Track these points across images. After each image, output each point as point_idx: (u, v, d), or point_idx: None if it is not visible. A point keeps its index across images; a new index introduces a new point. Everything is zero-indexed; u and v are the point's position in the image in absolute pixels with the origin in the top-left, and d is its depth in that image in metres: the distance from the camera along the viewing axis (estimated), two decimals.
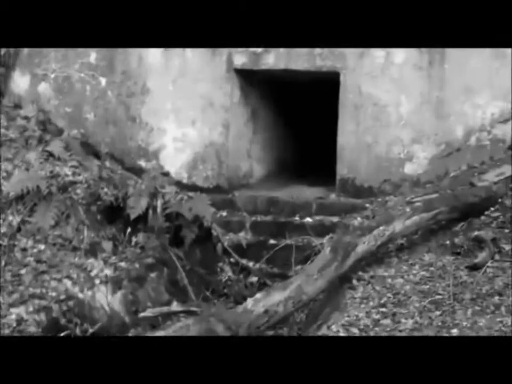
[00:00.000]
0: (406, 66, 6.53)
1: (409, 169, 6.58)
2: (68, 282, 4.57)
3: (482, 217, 5.01)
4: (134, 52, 6.87)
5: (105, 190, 5.46)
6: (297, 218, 6.26)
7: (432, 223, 4.89)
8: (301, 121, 8.97)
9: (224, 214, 6.33)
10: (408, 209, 4.86)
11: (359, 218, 6.01)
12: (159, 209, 5.40)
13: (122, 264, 4.87)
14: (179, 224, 5.40)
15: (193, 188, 6.75)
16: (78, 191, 5.30)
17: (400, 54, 6.52)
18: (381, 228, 4.58)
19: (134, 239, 5.23)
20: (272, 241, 5.99)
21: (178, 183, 6.74)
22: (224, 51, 6.75)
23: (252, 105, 7.41)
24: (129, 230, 5.28)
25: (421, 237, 4.97)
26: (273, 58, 6.71)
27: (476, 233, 4.58)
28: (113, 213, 5.31)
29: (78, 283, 4.59)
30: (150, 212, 5.35)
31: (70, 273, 4.60)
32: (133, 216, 5.22)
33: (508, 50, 6.36)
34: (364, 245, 4.45)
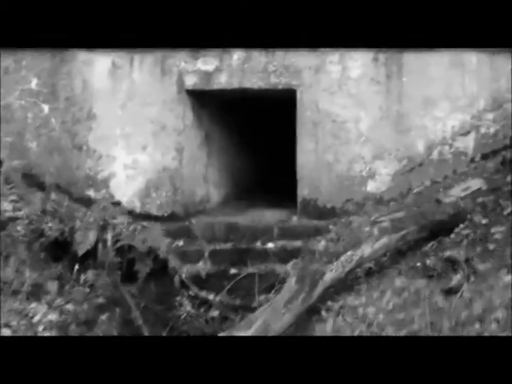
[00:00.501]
0: (363, 81, 6.32)
1: (372, 187, 6.35)
2: (7, 331, 4.10)
3: (452, 235, 4.78)
4: (78, 76, 6.48)
5: (50, 224, 5.03)
6: (258, 244, 5.93)
7: (401, 244, 4.63)
8: (258, 141, 8.71)
9: (181, 243, 5.95)
10: (375, 231, 4.58)
11: (323, 242, 5.72)
12: (109, 243, 5.00)
13: (69, 306, 4.44)
14: (132, 257, 5.00)
15: (147, 216, 6.36)
16: (19, 227, 4.86)
17: (356, 69, 6.31)
18: (349, 253, 4.30)
19: (82, 277, 4.81)
20: (233, 271, 5.64)
21: (130, 213, 6.35)
22: (174, 71, 6.43)
23: (205, 128, 7.09)
24: (77, 267, 4.86)
25: (390, 259, 4.71)
26: (226, 77, 6.41)
27: (448, 253, 4.33)
28: (59, 250, 4.88)
29: (18, 331, 4.13)
30: (100, 246, 4.94)
31: (8, 320, 4.13)
32: (80, 252, 4.81)
33: (465, 58, 6.24)
34: (331, 273, 4.16)
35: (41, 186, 6.19)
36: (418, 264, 4.46)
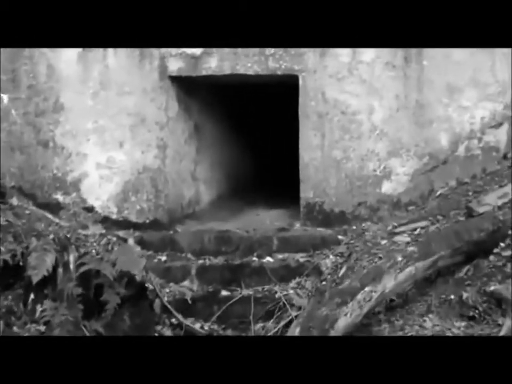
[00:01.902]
0: (377, 66, 5.38)
1: (387, 188, 5.44)
2: None
3: (491, 257, 3.88)
4: (42, 61, 5.53)
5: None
6: (255, 258, 5.02)
7: (431, 272, 3.72)
8: (257, 133, 7.78)
9: (163, 258, 5.05)
10: (399, 258, 3.66)
11: (331, 257, 4.83)
12: (72, 266, 4.09)
13: None
14: (100, 283, 4.10)
15: (125, 224, 5.46)
16: None
17: (369, 51, 5.37)
18: (367, 289, 3.39)
19: (38, 309, 3.92)
20: (224, 293, 4.74)
21: (105, 220, 5.44)
22: (156, 55, 5.48)
23: (193, 119, 6.16)
24: (31, 297, 3.96)
25: (416, 289, 3.81)
26: (216, 61, 5.47)
27: (492, 288, 3.43)
28: (9, 276, 3.97)
29: None
30: (60, 271, 4.04)
31: None
32: (35, 279, 3.90)
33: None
34: (346, 318, 3.25)
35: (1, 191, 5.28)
36: (452, 297, 3.58)
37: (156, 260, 5.01)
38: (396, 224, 5.04)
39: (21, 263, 4.05)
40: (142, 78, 5.49)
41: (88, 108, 5.50)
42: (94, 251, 4.62)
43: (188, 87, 5.84)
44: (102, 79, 5.51)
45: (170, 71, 5.50)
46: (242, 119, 7.32)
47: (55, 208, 5.43)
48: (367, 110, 5.40)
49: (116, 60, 5.49)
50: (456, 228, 4.06)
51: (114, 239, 5.02)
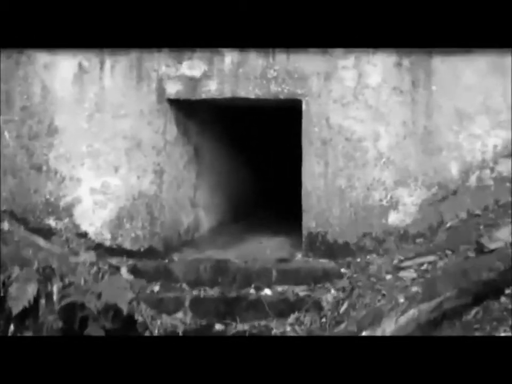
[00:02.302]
0: (384, 90, 5.16)
1: (394, 219, 5.17)
2: None
3: (502, 299, 3.60)
4: (37, 82, 5.36)
5: None
6: (252, 291, 4.77)
7: (435, 315, 3.45)
8: (259, 157, 7.56)
9: (156, 288, 4.80)
10: (401, 299, 3.39)
11: (333, 291, 4.56)
12: (55, 298, 3.86)
13: None
14: (84, 316, 3.86)
15: (119, 251, 5.23)
16: None
17: (375, 75, 5.15)
18: (365, 333, 3.13)
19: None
20: (218, 327, 4.48)
21: (99, 247, 5.22)
22: (153, 77, 5.30)
23: (193, 143, 5.95)
24: (11, 329, 3.73)
25: (420, 333, 3.52)
26: (216, 84, 5.27)
27: (503, 334, 3.15)
28: None
29: None
30: (42, 302, 3.81)
31: None
32: (15, 311, 3.67)
33: (507, 61, 5.07)
34: None
35: None
36: None
37: (148, 290, 4.76)
38: (402, 258, 4.78)
39: (1, 294, 3.83)
40: (139, 100, 5.30)
41: (82, 130, 5.31)
42: (82, 280, 4.42)
43: (187, 109, 5.64)
44: (98, 101, 5.32)
45: (169, 93, 5.30)
46: (245, 142, 7.11)
47: (47, 233, 5.23)
48: (372, 136, 5.17)
49: (113, 81, 5.31)
50: (464, 266, 3.79)
51: (106, 267, 4.84)
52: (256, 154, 7.52)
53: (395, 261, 4.75)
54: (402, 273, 4.39)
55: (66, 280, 4.05)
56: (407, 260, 4.66)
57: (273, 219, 7.06)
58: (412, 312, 3.34)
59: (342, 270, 4.83)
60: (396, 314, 3.28)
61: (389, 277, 4.44)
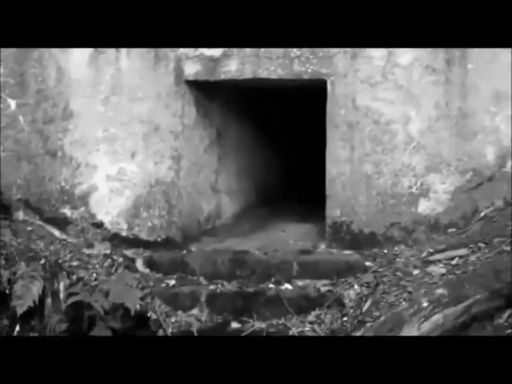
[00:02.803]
0: (416, 69, 4.80)
1: (424, 207, 4.85)
2: None
3: None
4: (51, 64, 5.17)
5: None
6: (271, 285, 4.53)
7: (463, 319, 3.15)
8: (285, 139, 7.28)
9: (172, 282, 4.61)
10: (425, 303, 3.10)
11: (356, 287, 4.30)
12: (61, 296, 3.70)
13: None
14: (92, 316, 3.69)
15: (135, 242, 5.05)
16: None
17: (406, 53, 4.79)
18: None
19: None
20: (234, 325, 4.27)
21: (115, 237, 5.06)
22: (171, 57, 5.05)
23: (215, 125, 5.71)
24: (17, 329, 3.59)
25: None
26: (236, 64, 4.99)
27: None
28: None
29: None
30: (49, 301, 3.65)
31: None
32: (20, 311, 3.53)
33: None
34: None
35: (4, 204, 4.96)
36: None
37: (163, 284, 4.57)
38: (431, 250, 4.47)
39: (7, 291, 3.69)
40: (156, 82, 5.07)
41: (98, 114, 5.12)
42: (94, 275, 4.26)
43: (208, 90, 5.39)
44: (114, 84, 5.11)
45: (187, 74, 5.05)
46: (270, 124, 6.82)
47: (62, 223, 5.09)
48: (402, 119, 4.83)
49: (129, 63, 5.09)
50: (496, 265, 3.47)
51: (121, 259, 4.67)
52: (282, 137, 7.23)
53: (424, 254, 4.45)
54: (431, 268, 4.10)
55: (74, 277, 3.89)
56: (437, 253, 4.35)
57: (299, 204, 6.80)
58: (436, 317, 3.05)
59: (367, 263, 4.55)
60: (418, 321, 3.01)
61: (416, 272, 4.14)
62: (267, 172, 6.89)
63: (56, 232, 4.96)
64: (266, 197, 6.81)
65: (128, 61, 5.09)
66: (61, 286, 3.73)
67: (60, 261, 4.03)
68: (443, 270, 3.96)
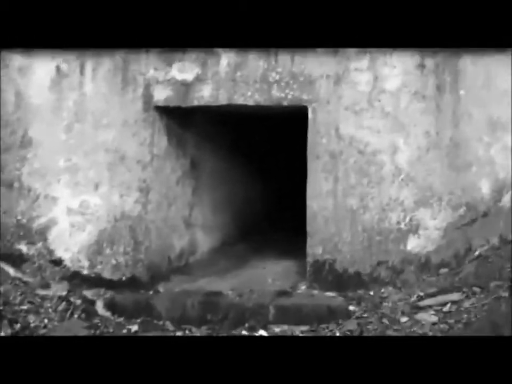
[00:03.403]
0: (404, 96, 4.44)
1: (414, 245, 4.44)
2: None
3: None
4: (10, 88, 4.78)
5: None
6: (244, 332, 4.09)
7: None
8: (267, 169, 6.89)
9: (134, 328, 4.15)
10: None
11: (338, 334, 3.85)
12: None
13: None
14: None
15: (97, 281, 4.60)
16: None
17: (393, 79, 4.44)
18: None
19: None
20: None
21: (75, 276, 4.62)
22: (140, 81, 4.67)
23: (189, 155, 5.31)
24: None
25: None
26: (210, 90, 4.61)
27: None
28: None
29: None
30: None
31: None
32: None
33: None
34: None
35: None
36: None
37: (125, 330, 4.11)
38: (421, 294, 4.05)
39: None
40: (123, 108, 4.68)
41: (60, 142, 4.72)
42: (46, 320, 3.81)
43: (181, 117, 5.01)
44: (78, 109, 4.72)
45: (156, 100, 4.67)
46: (249, 153, 6.43)
47: (17, 260, 4.65)
48: (390, 149, 4.45)
49: (94, 87, 4.71)
50: (493, 317, 3.04)
51: (79, 301, 4.20)
52: (263, 166, 6.84)
53: (413, 298, 4.03)
54: (420, 316, 3.67)
55: (18, 326, 3.43)
56: (428, 297, 3.93)
57: (282, 238, 6.37)
58: None
59: (351, 307, 4.12)
60: None
61: (404, 319, 3.71)
62: (246, 204, 6.48)
63: (11, 270, 4.52)
64: (245, 231, 6.38)
65: (93, 85, 4.71)
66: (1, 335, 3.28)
67: (1, 308, 3.57)
68: (434, 319, 3.54)
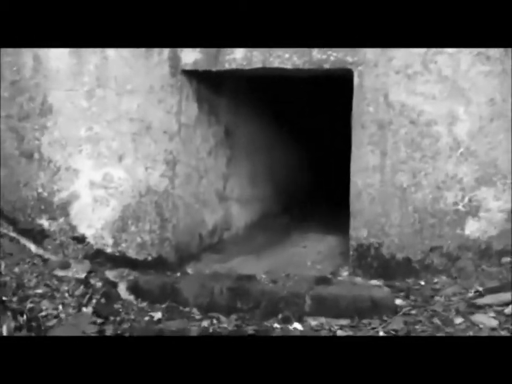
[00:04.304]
0: (464, 57, 3.84)
1: (473, 229, 3.90)
2: None
3: None
4: (27, 51, 4.40)
5: None
6: (276, 325, 3.67)
7: None
8: (311, 137, 6.37)
9: (157, 315, 3.79)
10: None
11: (381, 334, 3.39)
12: None
13: None
14: None
15: (122, 261, 4.27)
16: None
17: None
18: None
19: None
20: None
21: (98, 254, 4.31)
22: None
23: (223, 122, 4.86)
24: None
25: None
26: (243, 52, 4.11)
27: None
28: None
29: None
30: None
31: None
32: None
33: None
34: None
35: None
36: None
37: (146, 317, 3.77)
38: (480, 288, 3.53)
39: None
40: (148, 73, 4.24)
41: (81, 110, 4.33)
42: (60, 307, 3.51)
43: (213, 82, 4.55)
44: (99, 75, 4.31)
45: (184, 64, 4.21)
46: (291, 119, 5.91)
47: (37, 236, 4.35)
48: (447, 119, 3.88)
49: (117, 51, 4.27)
50: None
51: (100, 284, 3.89)
52: (307, 134, 6.32)
53: (470, 293, 3.51)
54: (477, 317, 3.16)
55: (23, 318, 3.12)
56: (488, 293, 3.41)
57: (327, 211, 5.90)
58: None
59: (398, 301, 3.64)
60: None
61: (459, 320, 3.21)
62: (289, 174, 6.01)
63: (32, 247, 4.23)
64: (288, 203, 5.93)
65: (116, 48, 4.27)
66: (4, 330, 2.98)
67: (5, 299, 3.26)
68: (494, 323, 3.03)
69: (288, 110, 5.90)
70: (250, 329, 3.61)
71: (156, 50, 4.22)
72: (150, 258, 4.27)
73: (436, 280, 3.87)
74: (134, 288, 4.00)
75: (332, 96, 5.96)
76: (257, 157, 5.39)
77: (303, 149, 6.30)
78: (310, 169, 6.50)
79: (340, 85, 4.66)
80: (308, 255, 4.64)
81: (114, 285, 3.99)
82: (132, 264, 4.25)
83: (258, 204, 5.52)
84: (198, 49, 4.16)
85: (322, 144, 6.67)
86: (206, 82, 4.49)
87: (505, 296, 3.27)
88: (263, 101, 5.40)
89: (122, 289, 3.98)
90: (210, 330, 3.64)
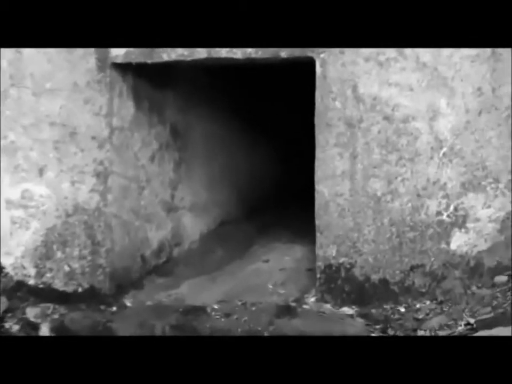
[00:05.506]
0: None
1: (460, 243, 3.33)
2: None
3: None
4: None
5: None
6: None
7: None
8: (277, 132, 5.72)
9: None
10: None
11: None
12: None
13: None
14: None
15: (48, 293, 3.59)
16: None
17: None
18: None
19: None
20: None
21: (19, 287, 3.62)
22: None
23: (169, 121, 4.18)
24: None
25: None
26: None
27: None
28: None
29: None
30: None
31: None
32: None
33: None
34: None
35: None
36: None
37: None
38: (472, 320, 2.94)
39: None
40: (71, 68, 3.55)
41: None
42: None
43: (155, 76, 3.87)
44: (14, 72, 3.61)
45: (115, 56, 3.53)
46: (258, 114, 5.25)
47: None
48: (427, 113, 3.29)
49: None
50: None
51: (17, 327, 3.22)
52: (275, 130, 5.68)
53: (460, 327, 2.92)
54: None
55: None
56: (481, 327, 2.82)
57: (295, 215, 5.27)
58: None
59: (373, 335, 3.04)
60: None
61: None
62: (253, 175, 5.36)
63: None
64: (251, 207, 5.29)
65: None
66: None
67: None
68: None
69: (251, 105, 5.24)
70: None
71: None
72: (80, 289, 3.59)
73: (418, 305, 3.28)
74: (59, 330, 3.34)
75: (300, 88, 5.31)
76: (214, 158, 4.73)
77: (270, 147, 5.65)
78: (277, 169, 5.85)
79: (308, 76, 4.01)
80: (270, 273, 4.02)
81: (34, 327, 3.32)
82: (59, 297, 3.58)
83: (217, 210, 4.87)
84: None
85: (291, 141, 6.02)
86: (146, 77, 3.82)
87: (503, 332, 2.68)
88: (222, 96, 4.73)
89: (45, 331, 3.31)
90: None
